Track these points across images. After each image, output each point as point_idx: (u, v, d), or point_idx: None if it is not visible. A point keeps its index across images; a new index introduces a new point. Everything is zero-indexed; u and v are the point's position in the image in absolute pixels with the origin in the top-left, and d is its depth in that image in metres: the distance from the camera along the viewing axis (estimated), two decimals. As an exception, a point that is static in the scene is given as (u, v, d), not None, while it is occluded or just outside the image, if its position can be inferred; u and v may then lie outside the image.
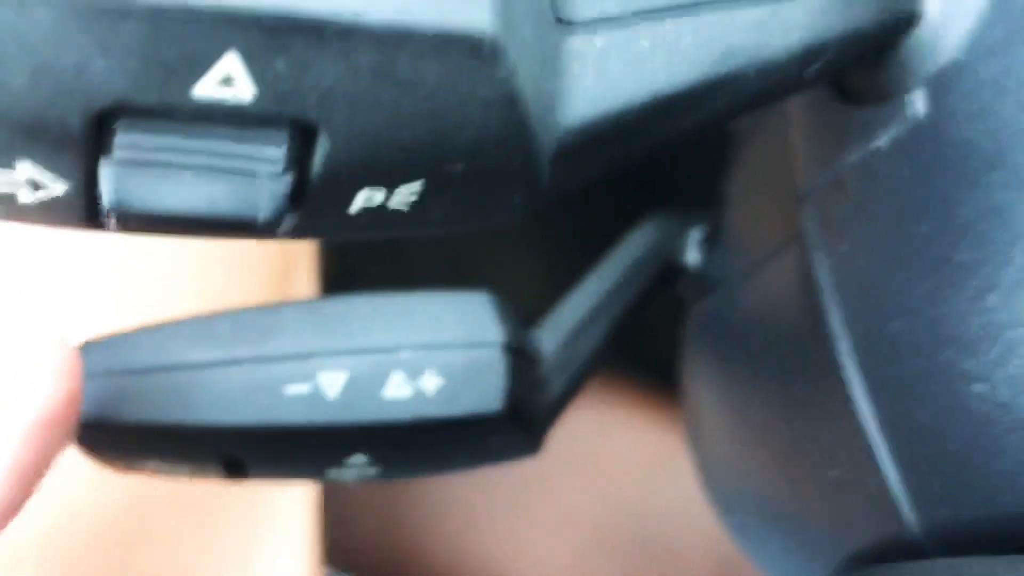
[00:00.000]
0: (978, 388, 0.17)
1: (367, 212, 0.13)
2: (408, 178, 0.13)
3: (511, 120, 0.13)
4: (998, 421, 0.17)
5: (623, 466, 0.45)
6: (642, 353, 0.42)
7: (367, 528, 0.45)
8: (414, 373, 0.21)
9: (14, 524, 0.29)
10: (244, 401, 0.20)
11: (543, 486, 0.44)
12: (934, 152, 0.18)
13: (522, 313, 0.23)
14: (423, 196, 0.13)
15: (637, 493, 0.45)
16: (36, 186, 0.12)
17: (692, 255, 0.26)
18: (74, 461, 0.30)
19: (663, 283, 0.26)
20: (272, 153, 0.12)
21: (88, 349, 0.21)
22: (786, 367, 0.21)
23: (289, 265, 0.35)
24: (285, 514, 0.36)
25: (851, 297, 0.19)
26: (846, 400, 0.19)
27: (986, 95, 0.17)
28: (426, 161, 0.13)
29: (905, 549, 0.19)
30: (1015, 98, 0.17)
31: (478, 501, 0.45)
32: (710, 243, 0.26)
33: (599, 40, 0.14)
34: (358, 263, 0.45)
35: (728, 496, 0.25)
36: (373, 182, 0.13)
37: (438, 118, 0.12)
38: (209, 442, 0.20)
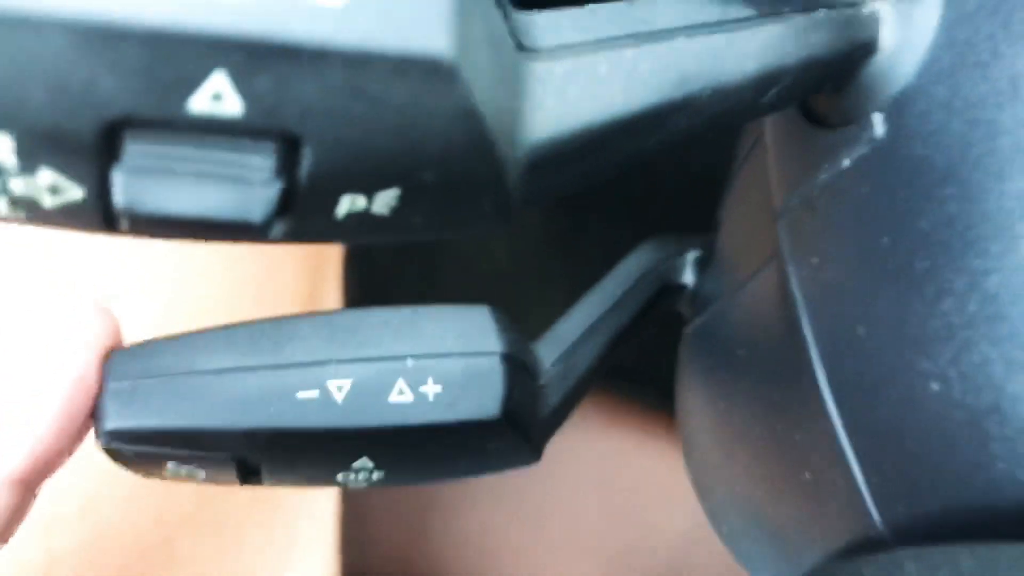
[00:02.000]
0: (935, 386, 0.18)
1: (352, 217, 0.15)
2: (385, 185, 0.15)
3: (472, 134, 0.14)
4: (952, 418, 0.18)
5: (643, 491, 0.46)
6: (665, 381, 0.43)
7: (387, 549, 0.46)
8: (417, 380, 0.22)
9: (45, 540, 0.30)
10: (258, 406, 0.21)
11: (562, 510, 0.45)
12: (893, 170, 0.19)
13: (522, 328, 0.24)
14: (401, 202, 0.15)
15: (656, 519, 0.45)
16: (56, 191, 0.14)
17: (688, 275, 0.27)
18: (104, 481, 0.31)
19: (663, 303, 0.27)
20: (262, 162, 0.14)
21: (115, 357, 0.22)
22: (766, 375, 0.22)
23: (316, 287, 0.36)
24: (307, 535, 0.37)
25: (820, 306, 0.20)
26: (816, 404, 0.20)
27: (938, 116, 0.18)
28: (399, 169, 0.14)
29: (873, 547, 0.20)
30: (963, 118, 0.18)
31: (497, 523, 0.46)
32: (705, 264, 0.27)
33: (559, 66, 0.16)
34: (388, 280, 0.46)
35: (719, 505, 0.26)
36: (354, 188, 0.14)
37: (407, 131, 0.14)
38: (225, 445, 0.22)
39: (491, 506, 0.45)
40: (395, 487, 0.43)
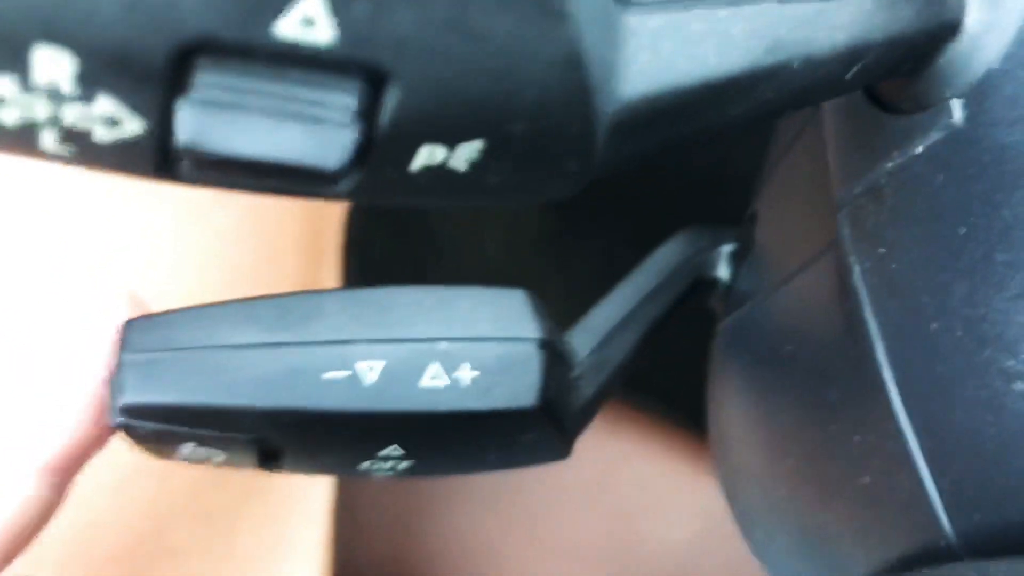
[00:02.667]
0: (1019, 386, 0.17)
1: (427, 171, 0.14)
2: (470, 135, 0.13)
3: (572, 82, 0.13)
4: (1036, 420, 0.17)
5: (639, 498, 0.45)
6: (660, 386, 0.42)
7: (379, 549, 0.45)
8: (451, 365, 0.21)
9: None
10: (283, 384, 0.20)
11: (556, 515, 0.44)
12: (972, 158, 0.18)
13: (555, 319, 0.23)
14: (483, 156, 0.14)
15: (653, 527, 0.45)
16: (113, 123, 0.13)
17: (723, 269, 0.26)
18: (95, 470, 0.30)
19: (694, 297, 0.26)
20: (344, 101, 0.13)
21: (130, 327, 0.21)
22: (819, 373, 0.21)
23: (314, 277, 0.35)
24: (300, 531, 0.36)
25: (888, 300, 0.19)
26: (881, 403, 0.19)
27: (1023, 104, 0.17)
28: (489, 118, 0.13)
29: (939, 556, 0.19)
30: None
31: (490, 526, 0.45)
32: (741, 258, 0.26)
33: (654, 20, 0.15)
34: (385, 270, 0.45)
35: (752, 512, 0.25)
36: (436, 138, 0.13)
37: (504, 74, 0.13)
38: (247, 426, 0.21)
39: (485, 509, 0.44)
40: (395, 483, 0.42)
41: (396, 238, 0.48)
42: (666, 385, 0.40)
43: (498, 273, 0.49)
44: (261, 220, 0.33)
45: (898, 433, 0.19)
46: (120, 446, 0.22)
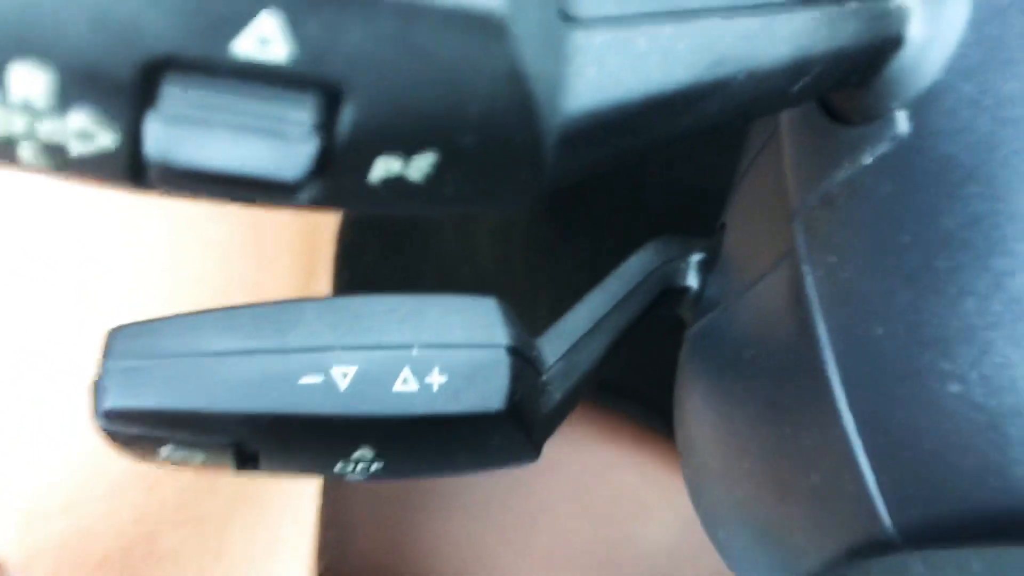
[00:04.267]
0: (954, 388, 0.18)
1: (385, 182, 0.15)
2: (423, 147, 0.14)
3: (517, 96, 0.14)
4: (971, 419, 0.18)
5: (625, 503, 0.46)
6: (645, 393, 0.43)
7: (367, 555, 0.46)
8: (421, 370, 0.22)
9: (25, 535, 0.30)
10: (260, 390, 0.21)
11: (543, 520, 0.45)
12: (917, 167, 0.19)
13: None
14: (437, 168, 0.15)
15: (638, 530, 0.45)
16: (86, 137, 0.13)
17: (692, 278, 0.27)
18: (85, 476, 0.31)
19: (664, 306, 0.27)
20: (301, 116, 0.14)
21: (114, 335, 0.22)
22: (774, 376, 0.22)
23: (307, 288, 0.36)
24: (289, 536, 0.36)
25: (837, 306, 0.20)
26: (828, 404, 0.20)
27: (965, 114, 0.18)
28: (439, 130, 0.14)
29: (881, 549, 0.20)
30: (991, 116, 0.18)
31: (477, 532, 0.45)
32: (709, 267, 0.27)
33: (600, 37, 0.15)
34: (376, 280, 0.46)
35: (715, 512, 0.26)
36: (391, 149, 0.14)
37: (450, 88, 0.14)
38: (225, 430, 0.21)
39: (472, 515, 0.45)
40: (381, 485, 0.42)
41: (388, 248, 0.49)
42: (649, 393, 0.41)
43: (490, 282, 0.49)
44: (255, 232, 0.34)
45: (843, 433, 0.20)
46: (110, 454, 0.23)
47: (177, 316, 0.22)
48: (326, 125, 0.14)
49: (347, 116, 0.14)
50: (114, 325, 0.22)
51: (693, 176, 0.47)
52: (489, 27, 0.13)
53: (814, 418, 0.21)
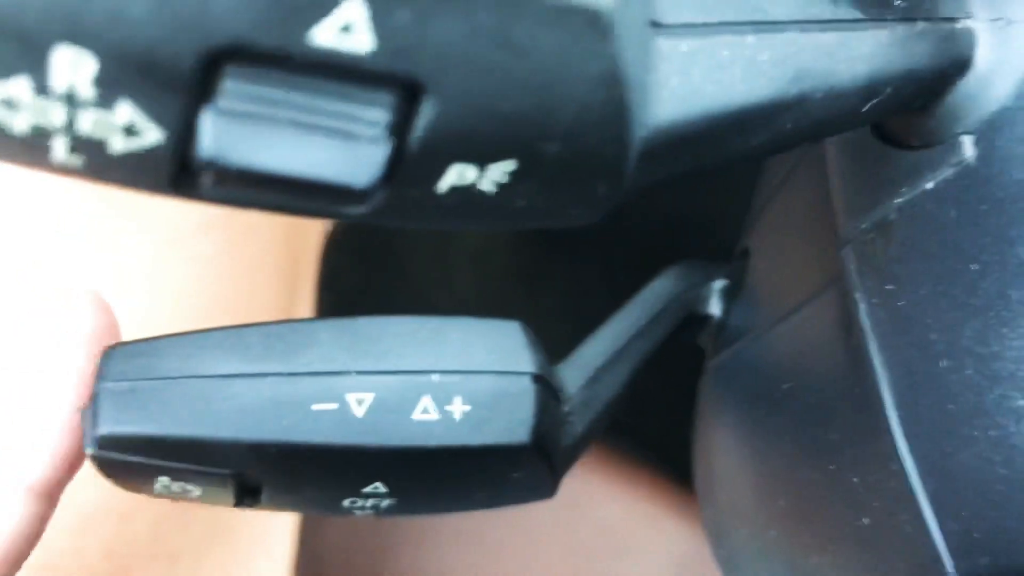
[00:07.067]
0: None
1: (454, 192, 0.13)
2: (503, 155, 0.13)
3: (612, 102, 0.13)
4: (1049, 462, 0.17)
5: (605, 541, 0.44)
6: (632, 428, 0.41)
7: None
8: (443, 398, 0.20)
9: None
10: (269, 416, 0.19)
11: (524, 555, 0.44)
12: (985, 194, 0.18)
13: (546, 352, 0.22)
14: (513, 177, 0.13)
15: (617, 569, 0.44)
16: (131, 131, 0.12)
17: (715, 305, 0.26)
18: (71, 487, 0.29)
19: (684, 334, 0.26)
20: (376, 116, 0.12)
21: (108, 355, 0.20)
22: (818, 411, 0.21)
23: (293, 292, 0.35)
24: (264, 572, 0.35)
25: (895, 337, 0.19)
26: (884, 442, 0.19)
27: None
28: (524, 137, 0.13)
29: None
30: None
31: (457, 568, 0.44)
32: (733, 294, 0.26)
33: (684, 45, 0.14)
34: (355, 303, 0.45)
35: (738, 555, 0.25)
36: (468, 156, 0.13)
37: (544, 90, 0.12)
38: (228, 460, 0.20)
39: (449, 547, 0.44)
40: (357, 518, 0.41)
41: (366, 271, 0.48)
42: (638, 427, 0.40)
43: (467, 306, 0.48)
44: (240, 249, 0.32)
45: (901, 473, 0.18)
46: (80, 486, 0.21)
47: (178, 335, 0.20)
48: (401, 127, 0.12)
49: (425, 117, 0.12)
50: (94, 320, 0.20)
51: (673, 205, 0.46)
52: (596, 24, 0.12)
53: (867, 456, 0.19)
